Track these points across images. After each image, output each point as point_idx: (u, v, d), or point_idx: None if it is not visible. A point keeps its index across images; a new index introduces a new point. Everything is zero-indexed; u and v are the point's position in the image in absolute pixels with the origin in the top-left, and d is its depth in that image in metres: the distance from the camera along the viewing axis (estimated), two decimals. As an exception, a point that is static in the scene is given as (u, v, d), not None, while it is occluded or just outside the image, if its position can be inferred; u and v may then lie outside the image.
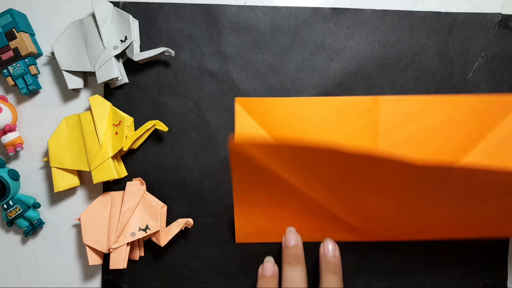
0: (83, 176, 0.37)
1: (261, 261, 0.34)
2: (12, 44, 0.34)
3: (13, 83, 0.35)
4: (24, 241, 0.38)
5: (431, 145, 0.34)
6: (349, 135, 0.34)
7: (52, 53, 0.35)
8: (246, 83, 0.35)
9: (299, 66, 0.35)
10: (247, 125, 0.34)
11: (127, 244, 0.33)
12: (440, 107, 0.34)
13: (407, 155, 0.34)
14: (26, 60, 0.35)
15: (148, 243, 0.36)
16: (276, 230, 0.35)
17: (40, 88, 0.37)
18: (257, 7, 0.35)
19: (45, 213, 0.37)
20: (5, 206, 0.35)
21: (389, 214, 0.32)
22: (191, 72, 0.36)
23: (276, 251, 0.35)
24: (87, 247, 0.34)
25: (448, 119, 0.34)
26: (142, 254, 0.36)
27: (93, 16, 0.34)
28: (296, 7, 0.35)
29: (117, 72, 0.33)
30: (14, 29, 0.34)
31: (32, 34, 0.36)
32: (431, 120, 0.34)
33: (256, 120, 0.34)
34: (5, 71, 0.35)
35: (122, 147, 0.33)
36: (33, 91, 0.36)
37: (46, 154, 0.37)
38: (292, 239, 0.32)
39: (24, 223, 0.36)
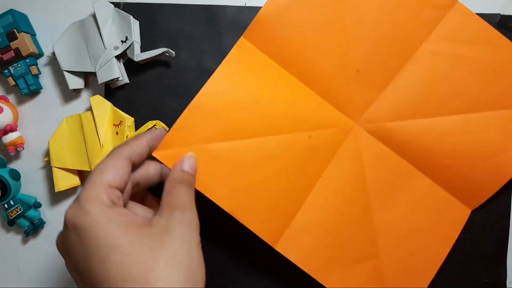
0: (84, 176, 0.37)
1: (261, 261, 0.34)
2: (13, 44, 0.34)
3: (14, 83, 0.35)
4: (25, 241, 0.38)
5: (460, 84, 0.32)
6: (407, 22, 0.31)
7: (53, 54, 0.35)
8: (246, 83, 0.35)
9: (299, 67, 0.35)
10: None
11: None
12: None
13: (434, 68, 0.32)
14: (27, 60, 0.35)
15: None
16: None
17: (41, 88, 0.37)
18: (258, 7, 0.35)
19: (46, 212, 0.37)
20: (6, 206, 0.35)
21: None
22: (192, 72, 0.36)
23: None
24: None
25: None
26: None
27: (94, 16, 0.34)
28: (296, 7, 0.35)
29: (118, 73, 0.34)
30: (15, 30, 0.34)
31: (33, 35, 0.36)
32: (481, 53, 0.31)
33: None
34: (6, 71, 0.35)
35: (122, 147, 0.33)
36: (34, 91, 0.36)
37: (47, 154, 0.37)
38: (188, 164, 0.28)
39: (25, 223, 0.36)
